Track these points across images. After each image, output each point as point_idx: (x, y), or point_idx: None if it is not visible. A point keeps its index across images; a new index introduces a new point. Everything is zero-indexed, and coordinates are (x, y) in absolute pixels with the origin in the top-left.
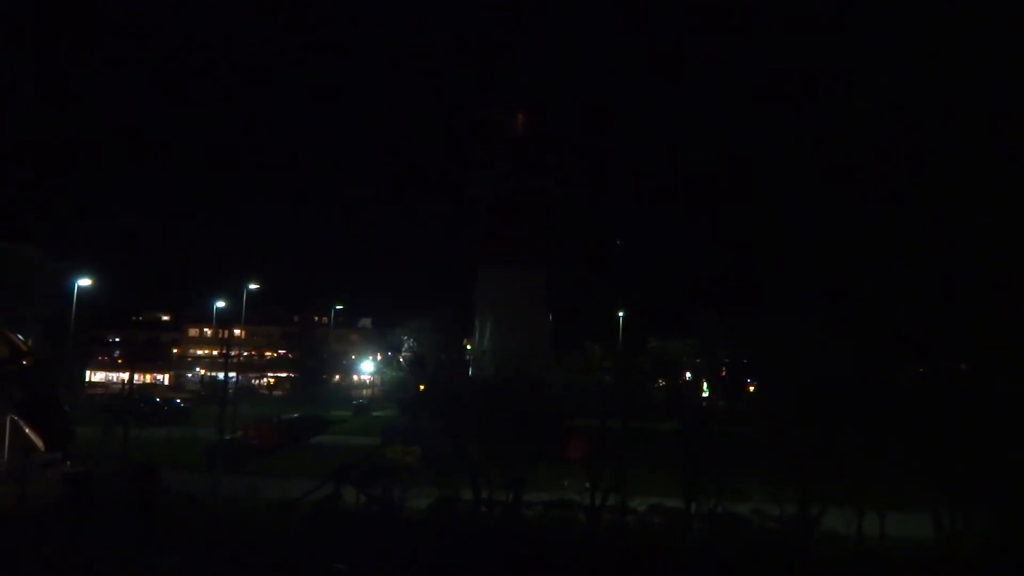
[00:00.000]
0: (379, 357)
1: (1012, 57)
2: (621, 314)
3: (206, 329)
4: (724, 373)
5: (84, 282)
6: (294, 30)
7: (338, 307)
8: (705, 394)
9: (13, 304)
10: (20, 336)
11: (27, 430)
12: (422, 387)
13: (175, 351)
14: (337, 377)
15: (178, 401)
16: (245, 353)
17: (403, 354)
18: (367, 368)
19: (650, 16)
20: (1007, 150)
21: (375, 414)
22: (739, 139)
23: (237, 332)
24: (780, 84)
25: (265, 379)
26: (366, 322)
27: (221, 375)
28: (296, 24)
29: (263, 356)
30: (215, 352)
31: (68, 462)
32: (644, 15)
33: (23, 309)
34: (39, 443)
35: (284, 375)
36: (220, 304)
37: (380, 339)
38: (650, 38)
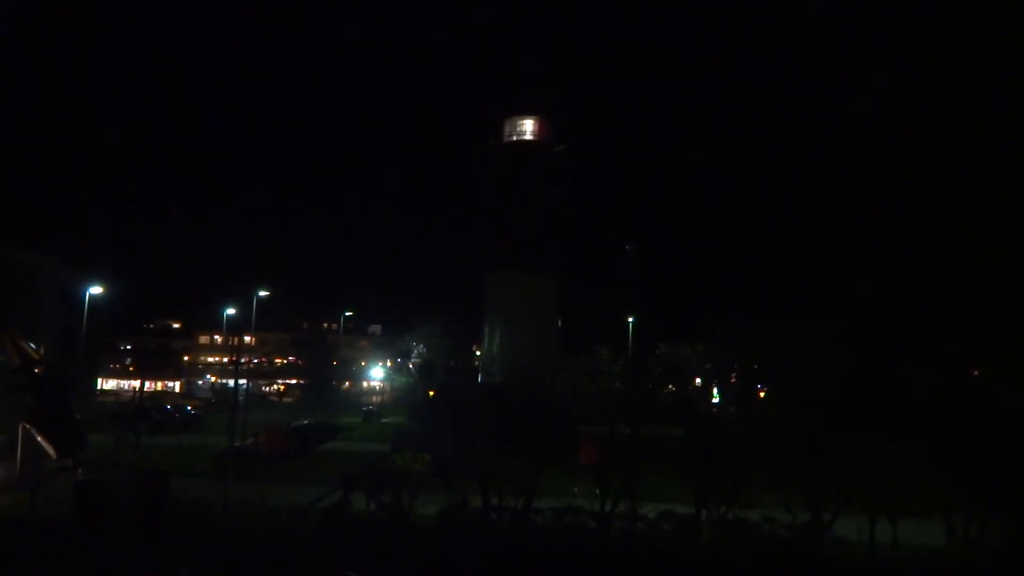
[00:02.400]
0: (388, 363)
1: (1014, 57)
2: (630, 319)
3: (216, 336)
4: (734, 379)
5: (96, 290)
6: (298, 34)
7: (348, 313)
8: (715, 400)
9: (25, 312)
10: (32, 344)
11: (39, 438)
12: (431, 393)
13: (186, 358)
14: (347, 384)
15: (189, 408)
16: (255, 360)
17: (412, 360)
18: (377, 374)
19: (659, 18)
20: (1018, 153)
21: (385, 420)
22: (748, 143)
23: (247, 339)
24: (792, 86)
25: (275, 386)
26: (376, 328)
27: (231, 382)
28: (302, 28)
29: (273, 363)
30: (225, 359)
31: (80, 469)
32: (653, 17)
33: (35, 318)
34: (51, 451)
35: (294, 382)
36: (230, 311)
37: (389, 345)
38: (659, 41)
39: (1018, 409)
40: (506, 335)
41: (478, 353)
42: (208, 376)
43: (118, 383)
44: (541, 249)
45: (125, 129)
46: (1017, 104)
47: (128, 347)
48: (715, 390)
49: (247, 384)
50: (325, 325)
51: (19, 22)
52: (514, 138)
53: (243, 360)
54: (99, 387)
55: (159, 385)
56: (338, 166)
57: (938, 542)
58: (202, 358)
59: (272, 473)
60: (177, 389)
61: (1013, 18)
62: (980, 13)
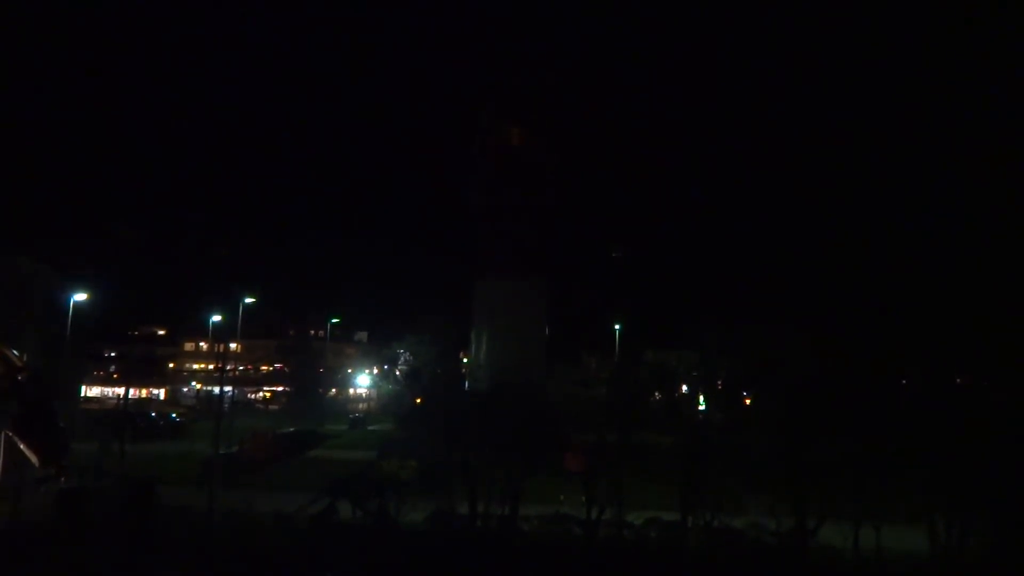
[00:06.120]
0: (375, 370)
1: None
2: (617, 326)
3: (202, 343)
4: (720, 385)
5: (81, 296)
6: (291, 38)
7: (334, 320)
8: (701, 407)
9: (12, 318)
10: (14, 351)
11: (22, 445)
12: (418, 400)
13: (171, 365)
14: (333, 391)
15: (174, 416)
16: (241, 367)
17: (399, 367)
18: (363, 382)
19: (647, 22)
20: (1008, 157)
21: (371, 428)
22: (735, 150)
23: (233, 346)
24: (777, 94)
25: (261, 393)
26: (362, 335)
27: (217, 389)
28: (294, 32)
29: (259, 370)
30: (211, 366)
31: (63, 478)
32: (640, 22)
33: (21, 323)
34: (34, 458)
35: (280, 389)
36: (216, 318)
37: (376, 352)
38: (648, 44)
39: (1000, 416)
40: (494, 342)
41: (465, 360)
42: (193, 383)
43: (103, 390)
44: (528, 256)
45: (110, 134)
46: (1015, 112)
47: (113, 354)
48: (701, 397)
49: (233, 391)
50: (311, 332)
51: (20, 28)
52: (501, 143)
53: (229, 367)
54: (83, 394)
55: (144, 392)
56: (325, 172)
57: (921, 548)
58: (187, 365)
59: (259, 480)
60: (162, 396)
61: (1013, 19)
62: (980, 13)
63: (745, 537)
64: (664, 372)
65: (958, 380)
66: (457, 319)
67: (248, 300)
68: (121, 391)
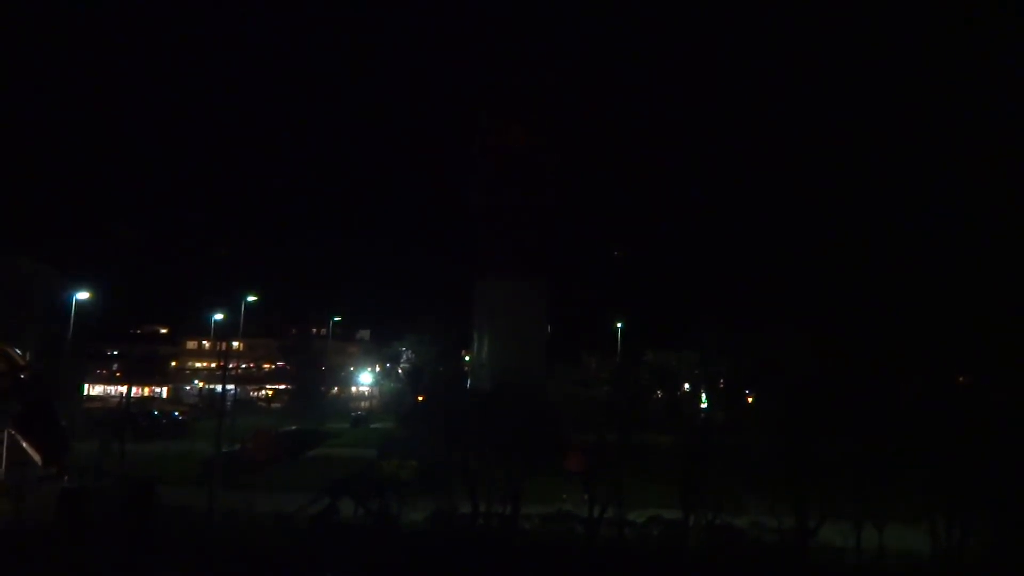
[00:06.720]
0: (377, 369)
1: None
2: (619, 325)
3: (204, 342)
4: (722, 385)
5: (82, 295)
6: (291, 38)
7: (336, 319)
8: (703, 405)
9: (13, 317)
10: (17, 350)
11: (24, 444)
12: (420, 399)
13: (173, 364)
14: (335, 389)
15: (176, 414)
16: (243, 366)
17: (401, 366)
18: (365, 380)
19: (647, 22)
20: (1008, 157)
21: (373, 426)
22: (736, 149)
23: (235, 345)
24: (774, 92)
25: (263, 391)
26: (364, 334)
27: (219, 388)
28: (294, 32)
29: (261, 369)
30: (213, 365)
31: (65, 477)
32: (640, 22)
33: (23, 323)
34: (36, 458)
35: (282, 387)
36: (218, 317)
37: (378, 351)
38: (648, 44)
39: (1000, 416)
40: (494, 342)
41: (467, 359)
42: (196, 382)
43: (105, 389)
44: (528, 256)
45: (110, 134)
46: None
47: (115, 353)
48: (703, 396)
49: (235, 390)
50: (314, 330)
51: (21, 28)
52: (501, 143)
53: (231, 366)
54: (86, 393)
55: (147, 391)
56: (325, 172)
57: (922, 548)
58: (190, 364)
59: (260, 479)
60: (164, 395)
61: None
62: (980, 13)
63: (746, 536)
64: (665, 372)
65: (958, 380)
66: (458, 319)
67: (250, 299)
68: (124, 390)
